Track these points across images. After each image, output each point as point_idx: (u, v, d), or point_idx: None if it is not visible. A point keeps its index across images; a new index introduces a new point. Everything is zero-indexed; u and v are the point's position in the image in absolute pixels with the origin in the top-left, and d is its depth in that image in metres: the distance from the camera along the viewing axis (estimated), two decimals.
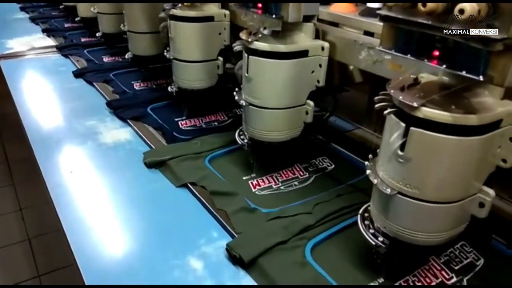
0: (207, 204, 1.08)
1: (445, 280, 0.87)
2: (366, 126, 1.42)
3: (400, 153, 0.71)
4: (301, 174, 1.23)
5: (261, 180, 1.20)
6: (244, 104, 1.11)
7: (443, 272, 0.89)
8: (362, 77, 1.20)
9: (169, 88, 1.55)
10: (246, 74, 1.07)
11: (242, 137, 1.21)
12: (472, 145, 0.66)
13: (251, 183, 1.18)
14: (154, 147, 1.35)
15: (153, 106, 1.64)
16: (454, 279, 0.87)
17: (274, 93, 1.06)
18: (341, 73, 1.14)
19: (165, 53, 1.51)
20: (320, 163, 1.28)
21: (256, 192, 1.15)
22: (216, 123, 1.53)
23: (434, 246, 0.79)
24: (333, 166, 1.27)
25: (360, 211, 0.90)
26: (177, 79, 1.50)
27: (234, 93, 1.16)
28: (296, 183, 1.19)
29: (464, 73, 0.60)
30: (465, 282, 0.86)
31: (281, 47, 1.01)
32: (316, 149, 1.33)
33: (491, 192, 0.74)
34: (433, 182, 0.71)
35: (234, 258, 0.91)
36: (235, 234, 0.98)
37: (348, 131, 1.48)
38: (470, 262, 0.91)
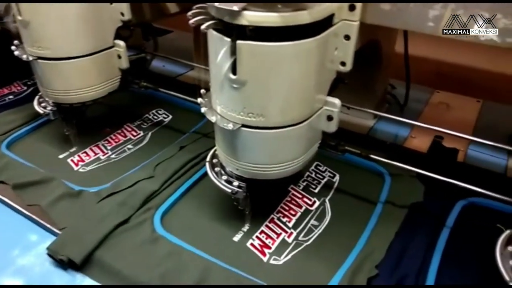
0: (11, 203, 0.81)
1: (308, 207, 0.81)
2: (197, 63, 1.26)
3: (232, 77, 0.57)
4: (134, 134, 1.02)
5: (85, 154, 0.95)
6: (30, 59, 0.83)
7: (305, 199, 0.83)
8: (178, 6, 1.01)
9: None
10: (20, 18, 0.78)
11: (43, 105, 0.93)
12: (309, 50, 0.56)
13: (72, 160, 0.93)
14: None
15: None
16: (317, 203, 0.82)
17: (66, 36, 0.80)
18: (151, 3, 0.94)
19: None
20: (155, 117, 1.09)
21: (80, 170, 0.91)
22: (11, 97, 1.17)
23: (292, 175, 0.71)
24: (170, 116, 1.09)
25: (208, 158, 0.76)
26: None
27: (13, 47, 0.85)
28: (130, 146, 0.98)
29: None
30: (327, 203, 0.82)
31: None
32: (147, 101, 1.13)
33: (337, 101, 0.67)
34: (276, 104, 0.59)
35: (63, 263, 0.69)
36: (59, 232, 0.74)
37: (180, 74, 1.30)
38: (327, 181, 0.88)
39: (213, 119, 0.64)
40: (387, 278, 0.64)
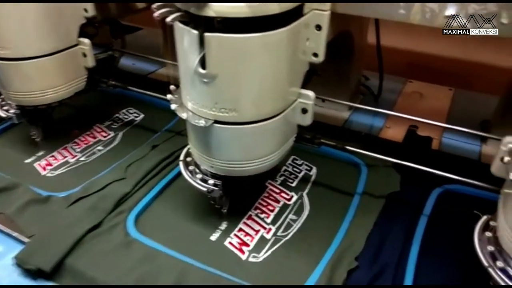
0: None
1: (286, 201, 0.80)
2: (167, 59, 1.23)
3: (202, 71, 0.55)
4: (104, 135, 0.99)
5: (52, 157, 0.91)
6: None
7: (282, 194, 0.82)
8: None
9: None
10: None
11: (6, 108, 0.88)
12: (280, 41, 0.55)
13: (39, 165, 0.89)
14: None
15: None
16: (295, 197, 0.81)
17: (26, 35, 0.76)
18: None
19: None
20: (126, 116, 1.06)
21: (48, 175, 0.87)
22: None
23: (269, 170, 0.69)
24: (141, 115, 1.06)
25: (181, 157, 0.74)
26: None
27: None
28: (100, 147, 0.94)
29: None
30: (305, 197, 0.81)
31: None
32: (117, 101, 1.10)
33: (311, 94, 0.66)
34: (249, 98, 0.58)
35: (32, 272, 0.66)
36: (27, 240, 0.71)
37: (151, 72, 1.27)
38: (304, 174, 0.87)
39: (183, 116, 0.62)
40: (367, 269, 0.64)
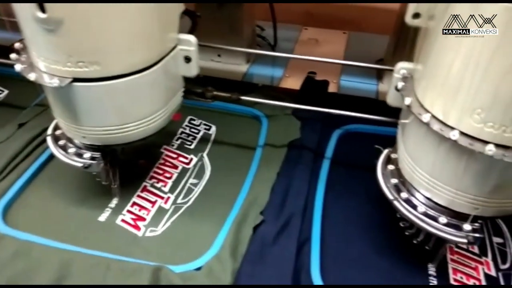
0: None
1: (185, 165, 0.73)
2: None
3: (41, 15, 0.43)
4: None
5: None
6: None
7: (180, 158, 0.74)
8: None
9: None
10: None
11: None
12: None
13: None
14: None
15: None
16: (195, 159, 0.74)
17: None
18: None
19: None
20: None
21: None
22: None
23: (159, 133, 0.61)
24: (6, 92, 0.89)
25: (49, 131, 0.62)
26: None
27: None
28: None
29: None
30: (206, 158, 0.74)
31: None
32: None
33: (192, 39, 0.58)
34: (110, 45, 0.48)
35: None
36: None
37: (17, 41, 1.07)
38: (204, 134, 0.80)
39: (31, 77, 0.50)
40: (274, 222, 0.60)
